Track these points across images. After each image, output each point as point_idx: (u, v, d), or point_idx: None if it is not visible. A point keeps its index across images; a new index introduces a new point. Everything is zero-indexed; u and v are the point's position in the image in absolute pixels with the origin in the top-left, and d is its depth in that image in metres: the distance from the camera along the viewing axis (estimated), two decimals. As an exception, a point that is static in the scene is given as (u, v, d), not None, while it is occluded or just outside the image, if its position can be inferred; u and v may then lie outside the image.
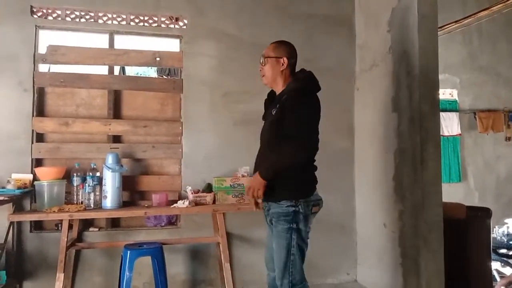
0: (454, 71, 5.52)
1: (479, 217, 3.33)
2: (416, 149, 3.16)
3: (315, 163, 2.38)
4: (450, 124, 5.51)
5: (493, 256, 3.62)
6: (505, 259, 3.89)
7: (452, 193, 4.97)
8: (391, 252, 3.41)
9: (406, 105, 3.29)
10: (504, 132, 5.68)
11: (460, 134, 5.53)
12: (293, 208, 2.21)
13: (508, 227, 4.19)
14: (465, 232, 3.27)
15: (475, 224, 3.30)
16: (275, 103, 2.36)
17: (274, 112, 2.32)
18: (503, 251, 3.96)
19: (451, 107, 5.55)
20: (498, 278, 3.75)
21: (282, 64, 2.40)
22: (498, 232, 4.14)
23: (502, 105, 5.69)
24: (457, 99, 5.60)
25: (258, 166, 2.34)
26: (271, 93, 2.54)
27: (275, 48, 2.44)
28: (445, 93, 5.47)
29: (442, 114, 5.21)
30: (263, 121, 2.54)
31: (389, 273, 3.42)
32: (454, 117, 5.51)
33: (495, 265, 3.80)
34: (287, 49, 2.43)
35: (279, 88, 2.43)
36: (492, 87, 5.70)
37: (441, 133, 5.05)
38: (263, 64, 2.44)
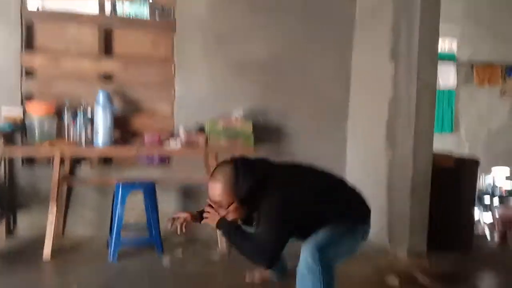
0: (454, 22, 5.39)
1: (467, 167, 3.40)
2: (411, 99, 3.16)
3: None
4: (446, 77, 5.46)
5: (478, 205, 3.73)
6: (488, 208, 4.00)
7: (443, 143, 5.02)
8: (378, 199, 3.47)
9: (404, 54, 3.24)
10: (500, 86, 5.65)
11: (455, 87, 5.50)
12: None
13: (493, 177, 4.28)
14: (453, 181, 3.35)
15: (463, 174, 3.37)
16: None
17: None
18: (488, 200, 4.07)
19: (449, 58, 5.48)
20: (483, 225, 3.87)
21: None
22: (484, 181, 4.23)
23: (500, 59, 5.62)
24: (456, 50, 5.51)
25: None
26: None
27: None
28: (444, 44, 5.37)
29: (439, 65, 5.16)
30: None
31: (376, 218, 3.48)
32: (451, 69, 5.45)
33: (479, 213, 3.91)
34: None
35: None
36: (491, 40, 5.58)
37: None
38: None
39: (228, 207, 1.98)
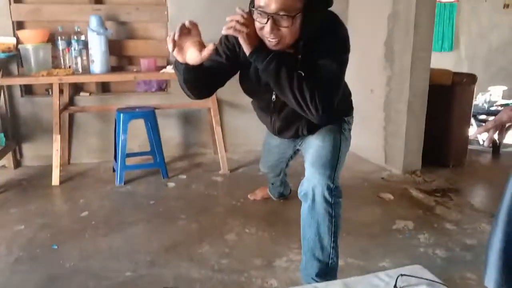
0: None
1: (464, 83, 3.40)
2: (410, 13, 3.08)
3: None
4: (449, -11, 5.26)
5: (473, 121, 3.79)
6: (483, 124, 4.07)
7: (443, 61, 4.97)
8: (376, 117, 3.53)
9: (405, -35, 3.10)
10: (503, -1, 5.47)
11: (457, 0, 5.32)
12: (339, 121, 1.86)
13: (490, 95, 4.30)
14: (450, 97, 3.38)
15: (459, 90, 3.39)
16: None
17: None
18: (483, 117, 4.12)
19: (453, -30, 5.24)
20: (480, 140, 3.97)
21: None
22: (480, 99, 4.26)
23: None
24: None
25: None
26: None
27: None
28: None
29: (442, -23, 4.96)
30: None
31: (373, 137, 3.60)
32: (454, -19, 5.25)
33: (473, 130, 3.99)
34: None
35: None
36: None
37: (438, -1, 4.88)
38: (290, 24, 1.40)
39: (291, 19, 1.38)
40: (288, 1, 1.36)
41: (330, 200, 1.61)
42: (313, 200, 1.62)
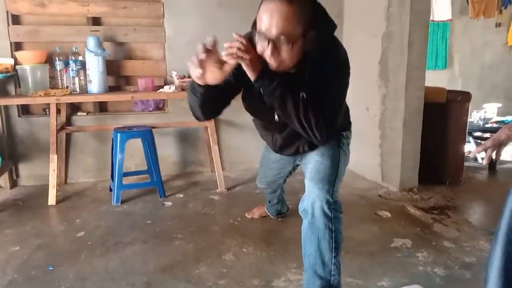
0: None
1: (459, 100, 3.44)
2: (403, 32, 3.13)
3: None
4: (441, 9, 5.36)
5: (468, 138, 3.82)
6: (479, 141, 4.10)
7: (437, 79, 5.04)
8: (371, 134, 3.56)
9: (398, -15, 3.17)
10: (495, 18, 5.57)
11: (450, 20, 5.42)
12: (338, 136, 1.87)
13: (485, 112, 4.34)
14: (444, 115, 3.41)
15: (454, 108, 3.42)
16: None
17: None
18: (478, 134, 4.15)
19: (445, -11, 5.34)
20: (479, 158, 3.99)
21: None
22: (475, 116, 4.30)
23: (497, -11, 5.50)
24: (451, -19, 5.36)
25: None
26: None
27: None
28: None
29: (434, -3, 5.05)
30: None
31: (369, 154, 3.62)
32: (446, 1, 5.34)
33: (469, 147, 4.02)
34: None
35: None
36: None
37: (431, 18, 4.98)
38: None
39: (290, 44, 1.42)
40: (288, 27, 1.40)
41: (329, 214, 1.62)
42: (313, 215, 1.63)
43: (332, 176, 1.70)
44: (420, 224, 2.70)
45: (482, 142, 4.00)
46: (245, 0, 3.65)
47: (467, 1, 5.42)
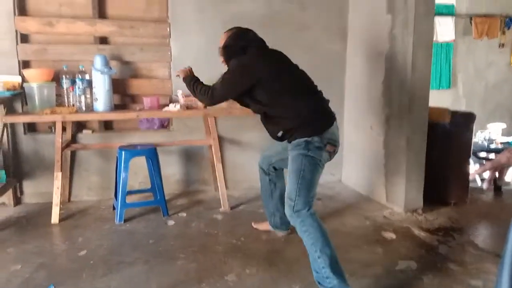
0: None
1: (463, 121, 3.43)
2: (407, 53, 3.15)
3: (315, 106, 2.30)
4: (444, 30, 5.39)
5: (473, 158, 3.80)
6: (483, 161, 4.08)
7: (441, 99, 5.05)
8: (375, 154, 3.55)
9: (401, 7, 3.20)
10: (498, 39, 5.60)
11: (453, 40, 5.45)
12: (306, 139, 2.17)
13: (489, 132, 4.32)
14: (449, 135, 3.40)
15: (459, 128, 3.41)
16: None
17: None
18: (483, 154, 4.13)
19: (448, 11, 5.39)
20: (478, 179, 3.96)
21: None
22: (480, 136, 4.29)
23: (500, 10, 5.54)
24: (454, 3, 5.41)
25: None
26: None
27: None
28: (443, -4, 5.27)
29: (437, 18, 5.09)
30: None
31: (373, 173, 3.61)
32: (449, 22, 5.38)
33: (474, 168, 3.99)
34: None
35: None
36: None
37: (434, 39, 5.01)
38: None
39: (221, 53, 2.46)
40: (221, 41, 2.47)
41: (297, 223, 2.10)
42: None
43: (294, 187, 2.13)
44: (425, 245, 2.67)
45: (485, 162, 4.02)
46: (247, 22, 3.70)
47: (470, 22, 5.46)
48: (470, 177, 3.46)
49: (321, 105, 2.34)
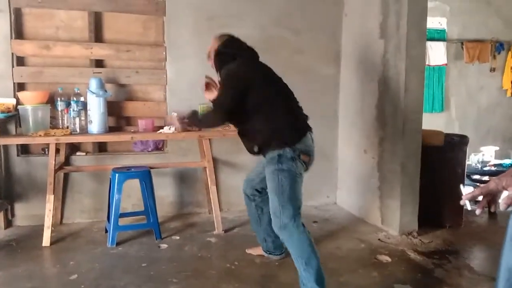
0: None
1: (456, 144, 3.46)
2: (400, 77, 3.19)
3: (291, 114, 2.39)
4: (436, 54, 5.49)
5: (467, 181, 3.81)
6: (477, 184, 4.09)
7: (434, 122, 5.09)
8: (370, 177, 3.56)
9: (393, 32, 3.26)
10: (489, 63, 5.70)
11: (446, 64, 5.54)
12: (278, 152, 2.24)
13: (483, 155, 4.36)
14: (442, 158, 3.42)
15: (452, 151, 3.43)
16: None
17: None
18: (477, 177, 4.15)
19: (439, 36, 5.50)
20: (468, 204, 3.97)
21: None
22: (473, 159, 4.32)
23: (490, 35, 5.66)
24: (445, 28, 5.53)
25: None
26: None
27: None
28: (434, 22, 5.38)
29: (429, 43, 5.18)
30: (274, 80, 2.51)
31: (367, 196, 3.60)
32: (441, 47, 5.48)
33: (468, 191, 3.99)
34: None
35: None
36: (481, 16, 5.62)
37: (427, 63, 5.10)
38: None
39: (211, 56, 2.56)
40: (209, 49, 2.59)
41: (285, 237, 2.20)
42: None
43: (277, 208, 2.20)
44: (421, 269, 2.65)
45: (474, 188, 4.02)
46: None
47: (462, 47, 5.57)
48: (461, 202, 3.45)
49: (297, 118, 2.40)
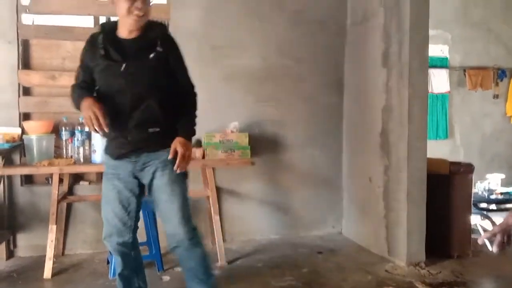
0: (446, 27, 5.46)
1: (462, 172, 3.43)
2: (403, 105, 3.19)
3: None
4: (439, 81, 5.51)
5: (473, 210, 3.75)
6: (485, 212, 4.03)
7: (439, 149, 5.06)
8: (375, 206, 3.51)
9: (395, 61, 3.29)
10: (492, 90, 5.72)
11: (449, 91, 5.56)
12: None
13: (489, 182, 4.31)
14: (448, 186, 3.38)
15: (458, 179, 3.40)
16: (145, 46, 2.05)
17: (152, 56, 2.03)
18: (484, 205, 4.09)
19: (442, 64, 5.54)
20: (481, 231, 3.90)
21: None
22: (479, 187, 4.27)
23: (492, 62, 5.69)
24: (447, 55, 5.57)
25: (135, 119, 2.00)
26: (108, 32, 2.09)
27: None
28: (436, 50, 5.43)
29: (432, 71, 5.21)
30: (107, 63, 2.03)
31: (373, 226, 3.55)
32: (443, 74, 5.51)
33: (475, 219, 3.94)
34: None
35: (137, 29, 2.06)
36: (483, 43, 5.67)
37: (430, 90, 5.11)
38: (148, 3, 2.03)
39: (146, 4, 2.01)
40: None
41: (194, 244, 2.09)
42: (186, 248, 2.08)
43: (185, 210, 2.05)
44: (430, 302, 2.58)
45: (486, 212, 3.96)
46: (246, 74, 3.82)
47: (464, 74, 5.60)
48: (479, 242, 3.40)
49: None
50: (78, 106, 2.03)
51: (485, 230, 3.84)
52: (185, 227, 2.04)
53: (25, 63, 3.48)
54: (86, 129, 3.35)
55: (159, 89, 2.04)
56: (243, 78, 3.82)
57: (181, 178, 2.09)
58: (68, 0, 3.50)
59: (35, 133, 3.22)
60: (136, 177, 2.08)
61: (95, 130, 1.91)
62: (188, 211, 2.08)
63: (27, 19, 3.54)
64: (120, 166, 2.07)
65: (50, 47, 3.55)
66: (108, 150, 2.12)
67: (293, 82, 3.95)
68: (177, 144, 1.99)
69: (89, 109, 1.90)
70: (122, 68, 1.99)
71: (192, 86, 2.20)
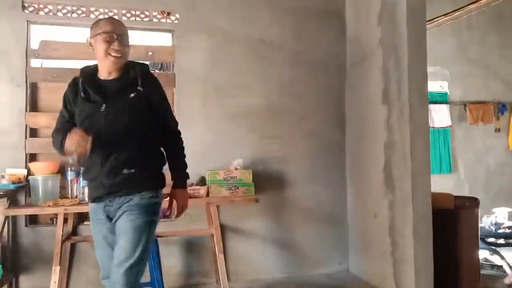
0: (444, 64, 5.57)
1: (467, 206, 3.40)
2: (405, 141, 3.22)
3: None
4: (440, 116, 5.57)
5: (481, 244, 3.70)
6: (493, 247, 3.97)
7: (443, 184, 5.04)
8: (381, 242, 3.47)
9: (395, 98, 3.34)
10: (493, 124, 5.76)
11: (450, 126, 5.60)
12: (155, 200, 2.07)
13: (496, 216, 4.26)
14: (454, 221, 3.35)
15: (464, 214, 3.37)
16: (125, 86, 2.05)
17: (133, 96, 2.02)
18: (491, 239, 4.03)
19: (442, 99, 5.61)
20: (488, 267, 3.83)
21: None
22: (486, 221, 4.22)
23: (492, 97, 5.77)
24: (447, 91, 5.66)
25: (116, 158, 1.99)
26: (88, 75, 2.10)
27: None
28: (435, 85, 5.52)
29: (432, 106, 5.28)
30: (87, 105, 2.04)
31: (380, 262, 3.49)
32: (444, 109, 5.58)
33: (484, 254, 3.87)
34: None
35: (116, 70, 2.08)
36: (481, 78, 5.77)
37: (431, 125, 5.16)
38: (126, 44, 2.09)
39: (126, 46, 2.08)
40: (125, 32, 2.11)
41: (132, 279, 1.91)
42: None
43: (138, 259, 1.91)
44: None
45: (494, 247, 3.90)
46: (248, 113, 3.89)
47: (465, 109, 5.66)
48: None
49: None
50: (61, 146, 1.98)
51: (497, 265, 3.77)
52: (126, 270, 1.89)
53: (33, 105, 3.56)
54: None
55: (140, 129, 2.02)
56: (246, 117, 3.88)
57: (146, 227, 1.99)
58: (76, 45, 3.61)
59: (41, 173, 3.26)
60: (111, 219, 2.05)
61: (80, 152, 1.85)
62: (140, 265, 1.95)
63: (36, 62, 3.65)
64: (98, 210, 2.07)
65: (57, 89, 3.59)
66: (88, 193, 2.12)
67: (295, 119, 4.01)
68: (176, 197, 2.14)
69: (75, 133, 1.88)
70: (102, 109, 1.99)
71: (176, 124, 2.23)
